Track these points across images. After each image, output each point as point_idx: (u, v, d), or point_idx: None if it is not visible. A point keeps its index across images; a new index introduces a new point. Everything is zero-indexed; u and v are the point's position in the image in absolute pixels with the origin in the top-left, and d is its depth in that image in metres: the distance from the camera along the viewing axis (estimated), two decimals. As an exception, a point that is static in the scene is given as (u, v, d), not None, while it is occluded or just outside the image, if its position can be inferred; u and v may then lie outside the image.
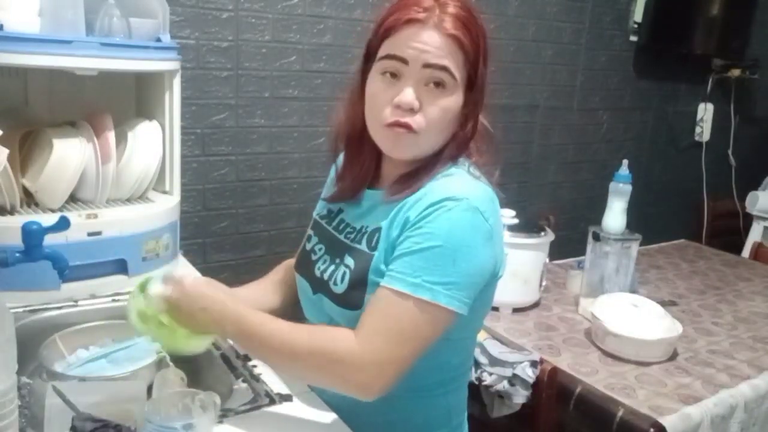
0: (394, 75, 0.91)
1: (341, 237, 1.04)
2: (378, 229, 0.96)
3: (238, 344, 0.96)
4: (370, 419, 0.99)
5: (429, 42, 0.89)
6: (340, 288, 0.98)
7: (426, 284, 0.86)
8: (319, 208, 1.15)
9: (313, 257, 1.07)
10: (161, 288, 0.95)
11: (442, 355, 0.98)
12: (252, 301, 1.13)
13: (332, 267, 1.01)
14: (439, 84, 0.91)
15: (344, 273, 0.98)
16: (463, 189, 0.91)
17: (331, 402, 1.02)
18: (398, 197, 0.95)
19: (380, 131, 0.94)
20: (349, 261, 0.98)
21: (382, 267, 0.93)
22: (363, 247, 0.97)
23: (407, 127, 0.90)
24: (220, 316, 0.93)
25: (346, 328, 0.91)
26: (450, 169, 0.96)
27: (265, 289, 1.19)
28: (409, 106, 0.90)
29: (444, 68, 0.89)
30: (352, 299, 0.95)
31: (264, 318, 0.93)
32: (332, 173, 1.14)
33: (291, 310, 1.17)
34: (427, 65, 0.89)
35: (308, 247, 1.10)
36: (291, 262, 1.19)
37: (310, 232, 1.13)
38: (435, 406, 1.04)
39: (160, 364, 1.08)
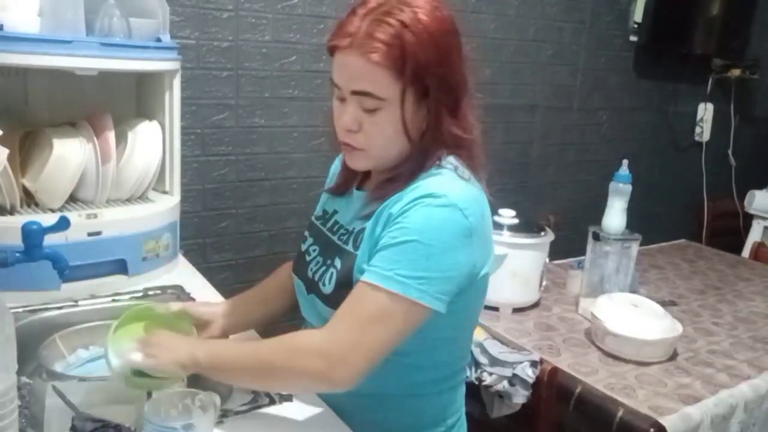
0: (341, 99, 0.95)
1: (334, 238, 1.05)
2: (363, 230, 0.97)
3: (211, 375, 0.95)
4: (364, 418, 0.99)
5: (351, 67, 0.90)
6: (327, 288, 0.98)
7: (397, 277, 0.87)
8: (317, 208, 1.16)
9: (308, 258, 1.08)
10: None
11: (435, 354, 0.99)
12: (251, 310, 1.17)
13: (323, 268, 1.02)
14: (368, 109, 0.92)
15: (332, 274, 0.99)
16: (445, 187, 0.91)
17: (329, 402, 1.02)
18: (380, 201, 0.96)
19: (341, 148, 0.99)
20: (337, 262, 0.99)
21: (365, 266, 0.93)
22: (349, 247, 0.99)
23: (351, 147, 0.96)
24: (193, 346, 0.94)
25: (305, 331, 0.94)
26: (436, 170, 0.96)
27: (265, 297, 1.21)
28: (347, 129, 0.94)
29: (365, 93, 0.91)
30: (340, 299, 0.95)
31: (232, 344, 0.97)
32: (336, 163, 1.17)
33: (291, 313, 1.17)
34: (352, 92, 0.92)
35: (303, 248, 1.11)
36: (289, 264, 1.20)
37: (306, 233, 1.13)
38: (429, 405, 1.04)
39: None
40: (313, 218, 1.14)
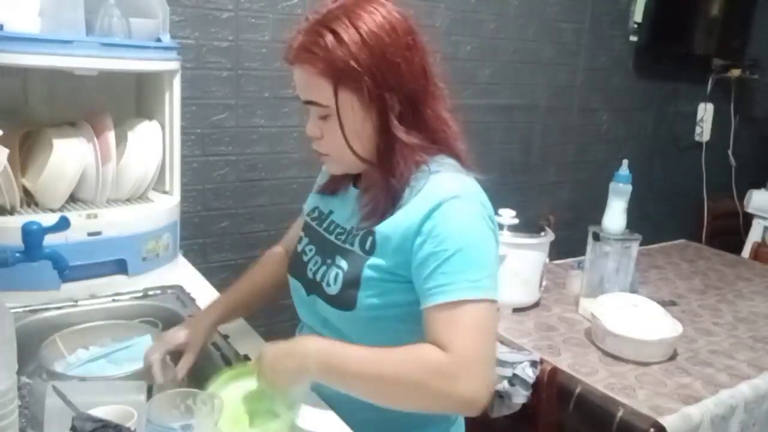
0: (308, 109, 0.99)
1: (332, 238, 1.05)
2: (370, 233, 0.97)
3: (324, 381, 0.93)
4: (366, 416, 0.99)
5: (298, 79, 0.96)
6: (333, 289, 0.99)
7: (473, 284, 0.89)
8: (310, 208, 1.17)
9: (305, 258, 1.08)
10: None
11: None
12: (241, 308, 1.19)
13: (324, 268, 1.03)
14: (319, 113, 0.96)
15: (337, 274, 0.99)
16: (457, 185, 0.94)
17: (329, 400, 1.02)
18: (374, 216, 0.97)
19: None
20: (342, 262, 1.00)
21: (372, 271, 0.95)
22: (356, 249, 0.99)
23: (319, 153, 1.01)
24: (301, 357, 0.91)
25: (428, 344, 0.89)
26: (432, 168, 0.97)
27: (252, 290, 1.22)
28: (310, 136, 1.00)
29: (311, 102, 0.96)
30: (346, 300, 0.97)
31: (348, 348, 0.91)
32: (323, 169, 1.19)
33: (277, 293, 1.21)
34: (304, 102, 0.97)
35: (299, 248, 1.11)
36: (272, 253, 1.25)
37: (301, 233, 1.14)
38: None
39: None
40: (307, 219, 1.15)
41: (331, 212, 1.10)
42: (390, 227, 0.95)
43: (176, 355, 1.06)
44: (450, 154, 1.00)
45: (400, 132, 0.95)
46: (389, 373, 0.88)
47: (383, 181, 0.97)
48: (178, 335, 1.08)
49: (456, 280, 0.89)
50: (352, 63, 0.90)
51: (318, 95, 0.94)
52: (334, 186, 1.12)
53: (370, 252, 0.97)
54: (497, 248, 0.97)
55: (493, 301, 0.90)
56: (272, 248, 1.27)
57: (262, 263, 1.25)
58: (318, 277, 1.03)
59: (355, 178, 1.09)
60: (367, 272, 0.95)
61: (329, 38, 0.90)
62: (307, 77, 0.93)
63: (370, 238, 0.97)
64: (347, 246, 1.01)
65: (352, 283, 0.96)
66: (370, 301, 0.96)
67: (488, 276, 0.90)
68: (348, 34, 0.90)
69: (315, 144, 1.00)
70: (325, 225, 1.09)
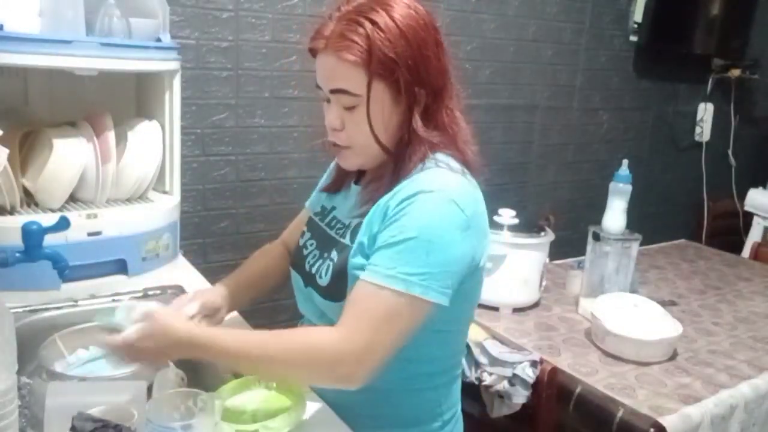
0: (326, 100, 0.99)
1: (332, 233, 1.07)
2: (360, 224, 0.98)
3: (212, 360, 0.98)
4: (361, 412, 1.00)
5: (327, 67, 0.95)
6: (324, 281, 1.01)
7: (400, 275, 0.88)
8: (313, 204, 1.19)
9: (305, 252, 1.10)
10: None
11: (430, 348, 1.00)
12: (242, 295, 1.17)
13: (319, 261, 1.04)
14: (346, 103, 0.95)
15: (328, 266, 1.01)
16: (438, 181, 0.93)
17: (325, 397, 1.03)
18: (370, 202, 0.98)
19: (331, 149, 1.03)
20: (334, 254, 1.01)
21: (357, 259, 0.95)
22: (347, 241, 1.01)
23: (338, 146, 1.00)
24: (189, 344, 0.92)
25: (324, 326, 0.93)
26: (428, 165, 0.97)
27: (250, 282, 1.21)
28: (331, 128, 0.98)
29: (340, 90, 0.94)
30: (336, 291, 0.98)
31: (235, 333, 0.94)
32: (333, 164, 1.18)
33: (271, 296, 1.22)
34: (331, 91, 0.96)
35: (301, 242, 1.13)
36: (272, 244, 1.26)
37: (304, 228, 1.15)
38: (425, 399, 1.05)
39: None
40: (311, 215, 1.16)
41: (333, 208, 1.12)
42: (374, 215, 0.96)
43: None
44: (453, 154, 0.99)
45: (420, 128, 0.95)
46: (274, 353, 0.90)
47: (390, 175, 0.97)
48: (214, 299, 1.10)
49: (387, 265, 0.89)
50: (391, 54, 0.90)
51: (350, 84, 0.92)
52: (337, 185, 1.13)
53: (354, 240, 0.98)
54: (466, 252, 0.94)
55: (419, 299, 0.89)
56: (270, 243, 1.27)
57: (258, 255, 1.25)
58: (314, 269, 1.05)
59: (357, 175, 1.10)
60: (352, 262, 0.96)
61: (369, 27, 0.90)
62: (339, 65, 0.92)
63: (359, 229, 0.98)
64: (340, 239, 1.03)
65: (341, 274, 0.97)
66: None
67: (424, 274, 0.88)
68: (387, 26, 0.90)
69: (333, 136, 0.99)
70: (327, 221, 1.10)
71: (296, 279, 1.11)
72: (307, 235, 1.13)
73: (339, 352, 0.87)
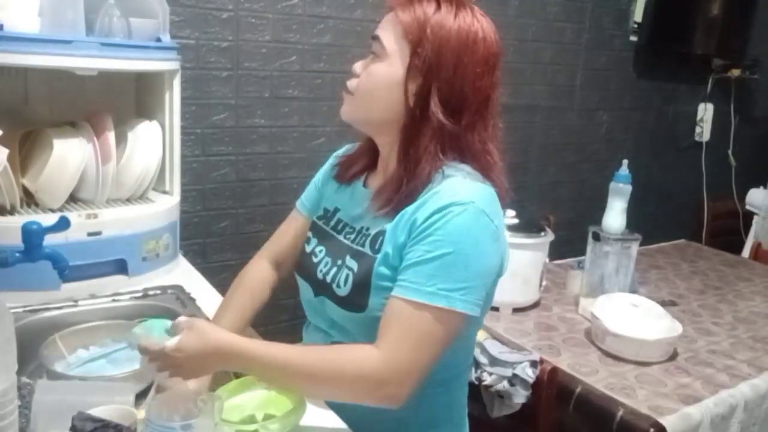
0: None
1: (341, 237, 1.04)
2: (381, 233, 0.97)
3: (254, 376, 0.96)
4: (374, 417, 0.99)
5: (387, 18, 0.97)
6: (343, 290, 0.98)
7: (441, 292, 0.88)
8: (311, 209, 1.16)
9: (315, 260, 1.07)
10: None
11: (446, 354, 0.98)
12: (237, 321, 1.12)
13: (335, 269, 1.02)
14: (374, 52, 0.97)
15: (347, 275, 0.98)
16: (468, 192, 0.92)
17: (333, 402, 1.02)
18: (391, 210, 0.96)
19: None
20: (352, 263, 0.99)
21: (382, 269, 0.94)
22: (367, 250, 0.98)
23: (346, 91, 1.00)
24: (232, 355, 0.89)
25: (364, 344, 0.91)
26: (446, 172, 0.95)
27: (241, 307, 1.16)
28: (352, 72, 1.00)
29: (375, 37, 0.97)
30: (356, 301, 0.96)
31: (279, 348, 0.91)
32: (339, 152, 1.17)
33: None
34: (373, 36, 0.98)
35: (308, 249, 1.10)
36: (249, 268, 1.20)
37: (309, 233, 1.13)
38: (438, 403, 1.05)
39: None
40: (314, 219, 1.14)
41: (337, 209, 1.09)
42: (399, 226, 0.94)
43: None
44: (469, 162, 0.98)
45: (439, 115, 0.93)
46: (319, 372, 0.89)
47: (399, 173, 0.96)
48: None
49: (426, 283, 0.88)
50: (429, 38, 0.92)
51: (387, 35, 0.95)
52: (346, 173, 1.10)
53: (380, 251, 0.96)
54: (497, 262, 0.94)
55: (459, 313, 0.89)
56: (253, 265, 1.21)
57: (241, 287, 1.18)
58: (329, 278, 1.02)
59: (366, 178, 1.08)
60: (377, 272, 0.94)
61: (433, 13, 0.92)
62: (393, 17, 0.95)
63: (381, 238, 0.96)
64: (358, 247, 1.00)
65: (363, 284, 0.96)
66: (381, 301, 0.94)
67: (464, 288, 0.88)
68: (445, 17, 0.93)
69: (349, 80, 1.00)
70: (332, 223, 1.08)
71: (304, 288, 1.09)
72: (314, 241, 1.10)
73: (385, 374, 0.87)
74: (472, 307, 0.90)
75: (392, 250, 0.94)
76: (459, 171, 0.96)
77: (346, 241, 1.03)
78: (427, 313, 0.88)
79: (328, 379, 0.90)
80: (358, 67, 0.99)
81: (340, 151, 1.18)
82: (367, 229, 1.00)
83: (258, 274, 1.20)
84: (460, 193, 0.91)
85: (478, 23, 0.95)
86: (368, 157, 1.08)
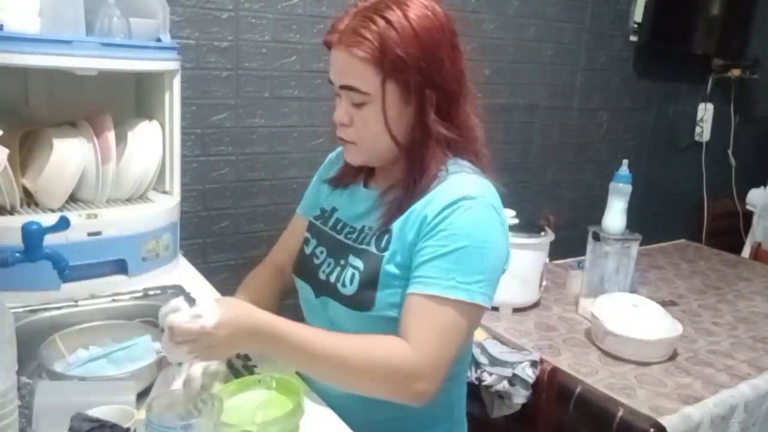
0: (337, 94, 0.98)
1: (341, 237, 1.04)
2: (387, 231, 0.97)
3: (281, 359, 0.92)
4: (375, 418, 1.00)
5: (339, 62, 0.94)
6: (349, 290, 0.98)
7: (461, 285, 0.89)
8: (309, 209, 1.16)
9: (316, 261, 1.07)
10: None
11: None
12: None
13: (338, 269, 1.01)
14: (355, 103, 0.95)
15: (353, 274, 0.98)
16: (474, 187, 0.93)
17: (336, 402, 1.02)
18: (398, 210, 0.96)
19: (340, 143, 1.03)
20: (357, 262, 0.99)
21: (391, 267, 0.94)
22: (372, 248, 0.98)
23: (344, 140, 0.99)
24: (266, 334, 0.86)
25: (396, 337, 0.90)
26: (450, 169, 0.96)
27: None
28: (339, 123, 0.98)
29: (349, 87, 0.93)
30: (363, 300, 0.96)
31: (304, 330, 0.89)
32: (332, 156, 1.18)
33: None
34: (341, 86, 0.95)
35: (308, 250, 1.10)
36: (259, 272, 1.20)
37: (307, 234, 1.13)
38: (439, 401, 1.05)
39: (161, 363, 1.08)
40: (311, 219, 1.13)
41: (335, 209, 1.09)
42: (408, 223, 0.94)
43: None
44: (468, 157, 0.99)
45: (439, 126, 0.94)
46: (351, 362, 0.88)
47: (408, 178, 0.96)
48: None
49: (445, 277, 0.89)
50: (403, 54, 0.90)
51: (359, 81, 0.92)
52: (345, 179, 1.11)
53: (387, 250, 0.96)
54: (505, 255, 0.96)
55: (478, 306, 0.90)
56: (258, 270, 1.20)
57: (249, 284, 1.17)
58: (332, 278, 1.02)
59: (365, 177, 1.08)
60: (385, 270, 0.95)
61: (382, 24, 0.89)
62: (351, 62, 0.91)
63: (387, 236, 0.96)
64: (361, 246, 1.00)
65: (370, 282, 0.96)
66: (388, 300, 0.95)
67: (481, 281, 0.90)
68: (401, 25, 0.90)
69: (341, 131, 0.98)
70: (331, 224, 1.08)
71: (304, 289, 1.08)
72: (313, 242, 1.09)
73: (417, 368, 0.87)
74: (488, 300, 0.91)
75: (401, 248, 0.94)
76: (462, 167, 0.97)
77: (347, 241, 1.02)
78: (449, 307, 0.89)
79: (360, 370, 0.89)
80: (343, 117, 0.96)
81: (333, 155, 1.19)
82: (371, 228, 1.00)
83: (263, 279, 1.19)
84: (468, 188, 0.93)
85: (423, 8, 0.92)
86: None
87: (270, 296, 1.16)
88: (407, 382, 0.88)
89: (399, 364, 0.87)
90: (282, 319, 0.88)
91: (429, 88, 0.93)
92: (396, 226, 0.96)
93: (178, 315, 0.82)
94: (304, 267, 1.09)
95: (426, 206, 0.93)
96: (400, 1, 0.91)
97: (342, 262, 1.01)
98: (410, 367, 0.87)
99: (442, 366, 0.89)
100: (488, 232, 0.91)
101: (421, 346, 0.88)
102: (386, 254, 0.95)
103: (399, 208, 0.96)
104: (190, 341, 0.82)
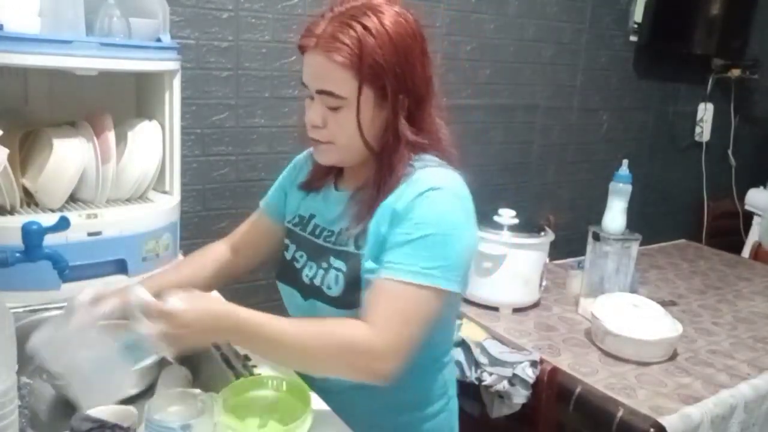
0: (310, 97, 0.99)
1: (320, 241, 1.06)
2: (363, 230, 0.99)
3: (244, 347, 0.97)
4: (373, 402, 1.02)
5: (315, 67, 0.95)
6: (335, 291, 1.00)
7: (424, 270, 0.91)
8: (274, 209, 1.18)
9: (297, 265, 1.08)
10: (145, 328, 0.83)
11: (434, 333, 1.01)
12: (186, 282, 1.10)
13: (321, 272, 1.03)
14: (330, 107, 0.96)
15: (337, 276, 1.00)
16: (442, 178, 0.97)
17: (340, 390, 1.02)
18: (370, 210, 0.98)
19: (309, 143, 1.04)
20: (339, 263, 1.00)
21: (369, 263, 0.96)
22: (351, 248, 1.00)
23: (318, 141, 1.00)
24: (229, 324, 0.88)
25: (355, 320, 0.92)
26: (416, 165, 0.99)
27: (195, 271, 1.18)
28: (312, 125, 0.98)
29: (325, 92, 0.95)
30: (349, 300, 0.98)
31: (267, 318, 0.90)
32: (300, 158, 1.20)
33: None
34: (317, 91, 0.96)
35: (288, 256, 1.11)
36: (214, 246, 1.22)
37: (286, 241, 1.14)
38: (434, 380, 1.10)
39: (161, 363, 1.08)
40: (289, 225, 1.14)
41: (312, 216, 1.10)
42: (380, 219, 0.97)
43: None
44: (437, 154, 1.02)
45: (408, 132, 0.97)
46: (313, 346, 0.90)
47: (378, 179, 0.99)
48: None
49: (407, 262, 0.91)
50: (381, 60, 0.92)
51: (336, 86, 0.93)
52: (317, 183, 1.12)
53: (364, 247, 0.98)
54: (472, 242, 0.98)
55: (442, 291, 0.92)
56: (214, 243, 1.23)
57: (194, 257, 1.20)
58: (316, 281, 1.03)
59: (335, 178, 1.10)
60: (365, 268, 0.96)
61: (360, 31, 0.91)
62: (327, 66, 0.93)
63: (364, 235, 0.98)
64: (342, 247, 1.02)
65: (354, 281, 0.97)
66: None
67: (445, 267, 0.92)
68: (378, 32, 0.92)
69: (314, 132, 0.99)
70: (309, 229, 1.09)
71: (290, 294, 1.09)
72: (293, 247, 1.11)
73: (375, 349, 0.89)
74: (453, 285, 0.93)
75: (376, 243, 0.97)
76: (426, 162, 1.00)
77: (326, 244, 1.04)
78: (411, 291, 0.91)
79: (320, 352, 0.90)
80: (317, 120, 0.97)
81: (300, 158, 1.20)
82: (347, 229, 1.02)
83: (210, 251, 1.21)
84: (434, 179, 0.96)
85: (397, 15, 0.94)
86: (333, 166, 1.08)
87: (204, 275, 1.17)
88: (369, 362, 0.89)
89: (360, 345, 0.89)
90: (247, 309, 0.90)
91: (402, 93, 0.96)
92: (371, 224, 0.98)
93: (148, 295, 0.84)
94: (287, 272, 1.11)
95: (396, 201, 0.96)
96: (374, 8, 0.94)
97: (324, 264, 1.03)
98: (371, 348, 0.89)
99: (402, 348, 0.90)
100: (453, 221, 0.94)
101: (381, 326, 0.90)
102: (365, 252, 0.98)
103: (370, 207, 0.99)
104: (161, 321, 0.83)
